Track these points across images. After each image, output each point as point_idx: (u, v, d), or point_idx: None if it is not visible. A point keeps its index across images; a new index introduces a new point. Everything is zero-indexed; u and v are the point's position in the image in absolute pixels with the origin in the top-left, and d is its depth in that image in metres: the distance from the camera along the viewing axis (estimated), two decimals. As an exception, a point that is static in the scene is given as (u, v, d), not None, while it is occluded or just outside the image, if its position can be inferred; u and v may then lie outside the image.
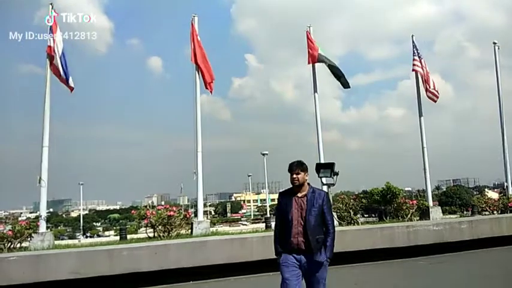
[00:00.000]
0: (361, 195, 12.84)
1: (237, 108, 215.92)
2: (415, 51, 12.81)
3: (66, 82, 10.25)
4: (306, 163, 3.85)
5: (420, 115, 12.64)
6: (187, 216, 10.33)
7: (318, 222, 3.69)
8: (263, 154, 48.11)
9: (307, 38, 11.91)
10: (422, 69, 12.70)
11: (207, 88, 11.20)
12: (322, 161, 11.01)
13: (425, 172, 12.10)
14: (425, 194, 12.23)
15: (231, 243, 8.24)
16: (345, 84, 12.36)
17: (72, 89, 10.41)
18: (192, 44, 10.79)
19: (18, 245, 8.88)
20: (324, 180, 9.82)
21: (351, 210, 10.79)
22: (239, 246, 8.14)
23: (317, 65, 11.99)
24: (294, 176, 3.77)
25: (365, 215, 13.33)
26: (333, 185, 9.63)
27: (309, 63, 11.95)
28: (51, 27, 10.04)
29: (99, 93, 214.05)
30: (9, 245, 8.76)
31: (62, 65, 10.05)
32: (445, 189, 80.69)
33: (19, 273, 6.81)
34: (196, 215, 9.87)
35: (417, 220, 11.11)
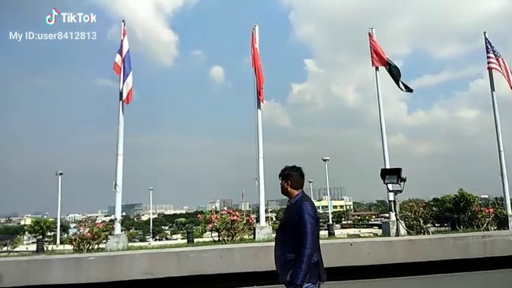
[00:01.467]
0: (432, 203, 12.13)
1: (297, 113, 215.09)
2: (489, 48, 11.92)
3: (121, 94, 10.66)
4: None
5: (496, 116, 11.74)
6: (250, 221, 10.49)
7: (289, 237, 3.24)
8: (324, 160, 47.14)
9: (370, 40, 11.60)
10: (500, 67, 11.77)
11: (259, 95, 11.24)
12: (388, 167, 10.62)
13: (502, 178, 11.15)
14: (504, 201, 11.25)
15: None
16: (407, 88, 11.79)
17: (128, 100, 10.74)
18: (252, 50, 11.00)
19: (96, 246, 9.60)
20: (390, 186, 9.48)
21: (420, 219, 10.23)
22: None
23: (381, 67, 11.61)
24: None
25: (436, 224, 12.60)
26: (400, 191, 9.26)
27: (373, 65, 11.61)
28: (121, 43, 10.73)
29: (166, 102, 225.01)
30: (88, 246, 9.51)
31: (123, 79, 10.62)
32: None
33: (97, 272, 7.33)
34: (258, 221, 9.98)
35: (494, 230, 10.25)
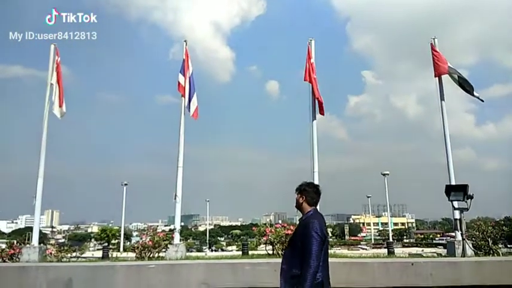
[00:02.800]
0: (502, 222, 11.23)
1: (354, 126, 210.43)
2: None
3: (189, 108, 11.23)
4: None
5: None
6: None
7: (298, 253, 3.20)
8: (384, 174, 45.48)
9: (432, 50, 11.11)
10: None
11: (321, 110, 11.23)
12: (453, 183, 10.03)
13: None
14: None
15: (350, 267, 7.99)
16: (478, 97, 11.21)
17: (196, 116, 11.37)
18: (307, 65, 11.04)
19: (156, 255, 10.03)
20: (455, 204, 8.95)
21: (489, 239, 9.51)
22: (358, 271, 7.84)
23: (444, 77, 11.09)
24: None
25: (508, 245, 11.62)
26: (467, 209, 8.72)
27: (435, 76, 11.10)
28: (183, 65, 11.27)
29: (224, 116, 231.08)
30: (149, 254, 9.97)
31: (189, 98, 11.16)
32: None
33: (156, 280, 7.64)
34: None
35: None
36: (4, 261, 9.55)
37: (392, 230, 63.20)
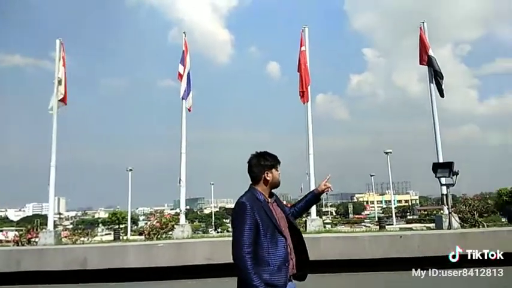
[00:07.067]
0: (487, 196, 11.83)
1: (356, 106, 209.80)
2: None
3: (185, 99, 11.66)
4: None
5: None
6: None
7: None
8: (386, 153, 45.81)
9: (420, 36, 11.40)
10: None
11: (301, 98, 11.52)
12: (442, 160, 10.56)
13: None
14: None
15: (343, 241, 8.64)
16: (441, 92, 11.38)
17: (190, 108, 11.82)
18: (299, 53, 11.45)
19: (164, 235, 10.73)
20: (442, 180, 9.51)
21: (475, 212, 10.11)
22: (351, 244, 8.49)
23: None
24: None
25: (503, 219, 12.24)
26: (452, 185, 9.32)
27: (420, 63, 11.45)
28: (182, 56, 11.74)
29: (225, 99, 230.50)
30: (157, 234, 10.66)
31: (186, 87, 11.61)
32: None
33: (165, 258, 8.34)
34: (309, 214, 10.49)
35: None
36: (23, 245, 10.25)
37: (395, 208, 63.91)
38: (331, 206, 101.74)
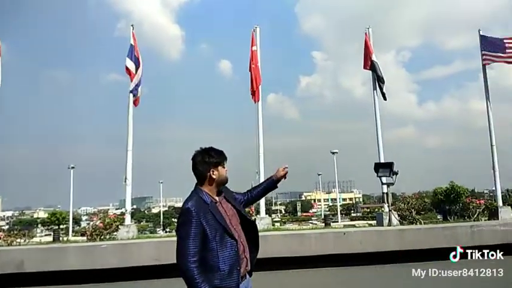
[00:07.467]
0: (424, 195, 12.64)
1: (305, 106, 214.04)
2: (484, 45, 12.21)
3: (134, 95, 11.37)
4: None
5: (488, 109, 11.99)
6: (250, 212, 11.12)
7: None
8: (333, 152, 47.67)
9: (365, 41, 11.89)
10: (500, 56, 11.85)
11: (253, 97, 11.66)
12: (383, 160, 11.11)
13: (494, 171, 11.49)
14: (495, 193, 11.66)
15: (290, 238, 8.82)
16: (384, 96, 11.97)
17: (137, 102, 11.49)
18: (250, 53, 11.52)
19: (108, 236, 10.33)
20: (383, 179, 10.00)
21: (412, 210, 10.76)
22: (298, 242, 8.68)
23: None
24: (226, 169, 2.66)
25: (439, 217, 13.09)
26: (392, 184, 9.81)
27: (364, 68, 11.96)
28: (130, 50, 11.34)
29: (175, 96, 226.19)
30: (100, 235, 10.24)
31: (136, 81, 11.28)
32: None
33: (109, 259, 8.01)
34: (259, 212, 10.59)
35: (485, 220, 10.74)
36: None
37: (341, 205, 66.39)
38: (280, 204, 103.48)
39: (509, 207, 11.43)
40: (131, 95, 11.23)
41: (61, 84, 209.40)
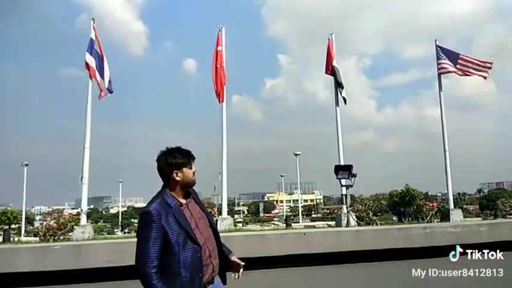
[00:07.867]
0: (381, 197, 13.08)
1: (269, 108, 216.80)
2: (440, 55, 12.80)
3: (105, 87, 11.11)
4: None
5: (442, 116, 12.54)
6: (213, 213, 11.04)
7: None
8: (296, 154, 48.48)
9: (328, 47, 12.10)
10: (461, 65, 12.33)
11: (217, 98, 11.58)
12: (343, 163, 11.37)
13: (446, 175, 12.06)
14: (447, 196, 12.26)
15: (251, 239, 8.82)
16: (344, 100, 12.22)
17: (106, 93, 11.23)
18: (214, 53, 11.45)
19: (62, 237, 9.90)
20: (342, 181, 10.24)
21: (369, 211, 11.09)
22: (258, 242, 8.70)
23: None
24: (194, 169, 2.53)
25: (394, 218, 13.54)
26: (351, 186, 10.06)
27: (326, 73, 12.18)
28: (90, 45, 10.95)
29: (137, 93, 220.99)
30: (54, 236, 9.80)
31: (100, 72, 10.95)
32: (487, 193, 77.97)
33: (62, 261, 7.67)
34: (220, 213, 10.53)
35: (437, 222, 11.25)
36: None
37: (302, 206, 67.42)
38: (243, 205, 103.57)
39: (460, 209, 12.07)
40: (90, 90, 10.86)
41: (15, 78, 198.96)
